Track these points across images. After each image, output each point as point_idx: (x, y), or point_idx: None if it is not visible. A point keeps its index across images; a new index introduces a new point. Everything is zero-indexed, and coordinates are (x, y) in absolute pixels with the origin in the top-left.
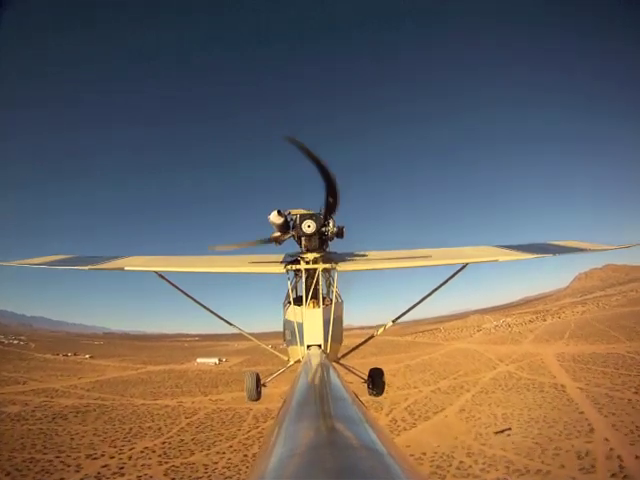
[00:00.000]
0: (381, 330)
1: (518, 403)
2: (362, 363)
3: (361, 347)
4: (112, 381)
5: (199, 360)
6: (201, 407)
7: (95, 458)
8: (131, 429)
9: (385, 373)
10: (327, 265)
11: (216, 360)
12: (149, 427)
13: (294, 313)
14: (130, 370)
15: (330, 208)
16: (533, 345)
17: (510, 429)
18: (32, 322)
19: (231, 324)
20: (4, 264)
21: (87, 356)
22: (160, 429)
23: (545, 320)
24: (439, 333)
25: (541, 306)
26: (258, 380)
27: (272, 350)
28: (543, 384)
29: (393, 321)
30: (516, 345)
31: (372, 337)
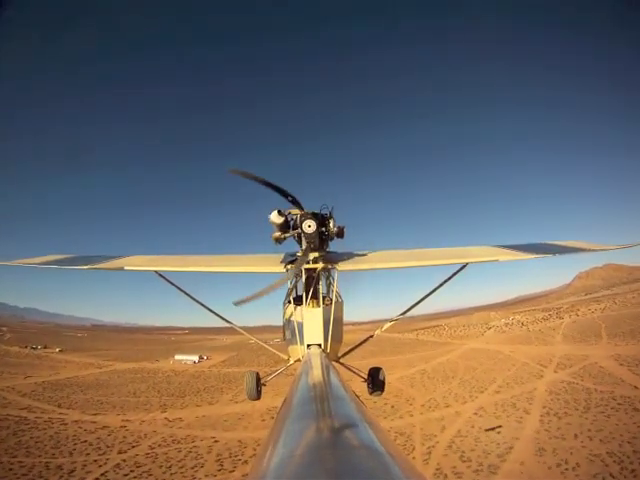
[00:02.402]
0: (378, 331)
1: (618, 432)
2: (364, 365)
3: (360, 346)
4: (62, 383)
5: (177, 357)
6: (149, 432)
7: None
8: (33, 467)
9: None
10: (327, 265)
11: (196, 358)
12: (59, 466)
13: (294, 312)
14: (93, 368)
15: (296, 203)
16: (569, 345)
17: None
18: (25, 314)
19: (228, 321)
20: (4, 264)
21: (57, 350)
22: (73, 471)
23: (562, 318)
24: (443, 330)
25: (544, 304)
26: (258, 379)
27: (265, 345)
28: (631, 399)
29: (392, 321)
30: (547, 345)
31: (372, 336)
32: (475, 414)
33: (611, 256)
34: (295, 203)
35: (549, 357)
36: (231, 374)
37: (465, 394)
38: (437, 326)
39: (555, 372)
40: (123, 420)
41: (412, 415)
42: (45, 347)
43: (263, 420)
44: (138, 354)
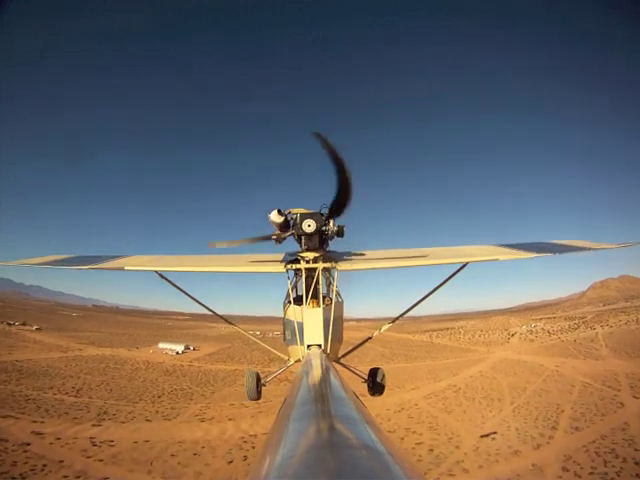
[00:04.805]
0: (377, 332)
1: None
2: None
3: (367, 347)
4: (2, 367)
5: (160, 346)
6: (53, 461)
7: None
8: None
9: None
10: (327, 264)
11: (180, 348)
12: None
13: (294, 312)
14: (57, 351)
15: (340, 207)
16: (626, 361)
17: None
18: (29, 291)
19: (226, 320)
20: (4, 264)
21: (34, 328)
22: None
23: (594, 329)
24: (459, 334)
25: (560, 312)
26: (258, 379)
27: (259, 341)
28: None
29: (392, 322)
30: (597, 360)
31: (370, 338)
32: (566, 470)
33: (626, 268)
34: (339, 204)
35: (611, 376)
36: (212, 372)
37: (531, 430)
38: (450, 328)
39: (636, 398)
40: (34, 432)
41: (467, 470)
42: (23, 324)
43: (230, 462)
44: (121, 338)
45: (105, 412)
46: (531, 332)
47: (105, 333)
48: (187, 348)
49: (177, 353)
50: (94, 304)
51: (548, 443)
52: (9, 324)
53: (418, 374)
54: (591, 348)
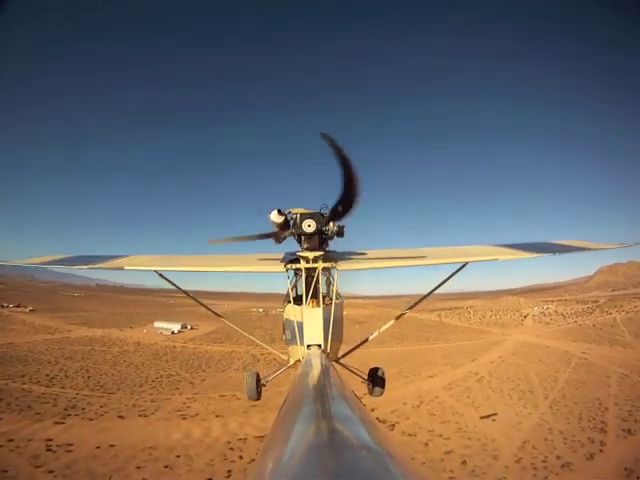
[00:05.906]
0: (376, 333)
1: None
2: (388, 352)
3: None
4: None
5: (156, 325)
6: None
7: None
8: None
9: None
10: (327, 264)
11: (177, 327)
12: None
13: (294, 312)
14: (45, 333)
15: (346, 207)
16: None
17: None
18: (35, 273)
19: (220, 316)
20: (4, 264)
21: (28, 309)
22: None
23: (610, 313)
24: (469, 314)
25: (567, 295)
26: (258, 380)
27: (251, 337)
28: None
29: (396, 318)
30: (625, 348)
31: (368, 339)
32: None
33: (634, 254)
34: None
35: None
36: (207, 355)
37: (578, 434)
38: (459, 308)
39: None
40: None
41: None
42: (17, 306)
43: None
44: (117, 318)
45: (74, 406)
46: (544, 314)
47: (103, 313)
48: (184, 327)
49: (172, 333)
50: (98, 284)
51: (601, 451)
52: (2, 306)
53: (433, 358)
54: (614, 334)
